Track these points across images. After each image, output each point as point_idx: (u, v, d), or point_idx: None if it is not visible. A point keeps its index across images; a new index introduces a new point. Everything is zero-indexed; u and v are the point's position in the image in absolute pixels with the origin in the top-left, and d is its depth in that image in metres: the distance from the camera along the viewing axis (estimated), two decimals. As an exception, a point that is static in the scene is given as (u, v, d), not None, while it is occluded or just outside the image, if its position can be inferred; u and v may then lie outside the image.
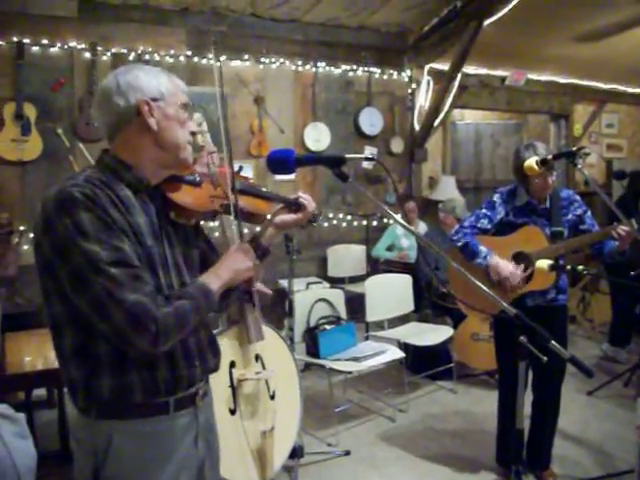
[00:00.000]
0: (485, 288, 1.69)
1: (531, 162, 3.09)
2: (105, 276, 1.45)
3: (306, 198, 1.99)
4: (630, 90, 9.56)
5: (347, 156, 1.70)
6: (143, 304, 1.47)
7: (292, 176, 6.69)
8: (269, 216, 1.99)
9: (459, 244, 3.48)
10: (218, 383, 2.95)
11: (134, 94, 1.61)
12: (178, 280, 1.70)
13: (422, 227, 6.76)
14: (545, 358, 1.71)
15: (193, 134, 1.73)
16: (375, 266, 6.75)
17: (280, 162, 1.73)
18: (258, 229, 2.02)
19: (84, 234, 1.45)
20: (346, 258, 6.98)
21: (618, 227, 3.09)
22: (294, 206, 1.99)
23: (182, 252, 1.75)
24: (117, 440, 1.58)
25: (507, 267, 3.36)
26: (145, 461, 1.62)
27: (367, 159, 1.94)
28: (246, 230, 3.07)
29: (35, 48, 5.61)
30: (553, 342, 1.62)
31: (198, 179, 1.82)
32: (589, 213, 3.50)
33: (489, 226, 3.52)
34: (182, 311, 1.56)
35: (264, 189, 2.10)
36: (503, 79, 8.31)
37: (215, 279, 1.68)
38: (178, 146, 1.68)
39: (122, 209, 1.56)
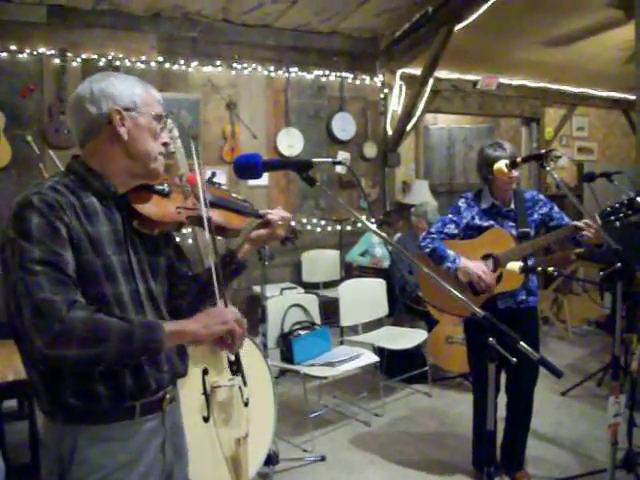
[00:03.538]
0: (455, 292, 1.70)
1: (500, 165, 3.11)
2: (28, 272, 1.43)
3: (276, 214, 1.94)
4: (599, 93, 9.69)
5: (314, 160, 1.69)
6: (53, 302, 1.42)
7: (265, 181, 6.69)
8: (246, 231, 1.97)
9: (427, 250, 3.49)
10: (191, 390, 2.93)
11: (106, 102, 1.61)
12: (145, 286, 1.69)
13: (395, 235, 6.78)
14: (514, 360, 1.72)
15: (165, 145, 1.72)
16: (349, 271, 6.76)
17: (246, 167, 1.72)
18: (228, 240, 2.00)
19: (27, 235, 1.45)
20: (320, 263, 6.98)
21: (579, 226, 3.10)
22: (265, 221, 1.96)
23: (148, 260, 1.74)
24: (82, 445, 1.57)
25: (478, 266, 3.38)
26: (111, 466, 1.61)
27: (335, 163, 1.91)
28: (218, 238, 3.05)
29: (3, 54, 5.55)
30: (522, 343, 1.63)
31: (167, 189, 1.79)
32: (555, 208, 3.52)
33: (456, 231, 3.54)
34: (101, 325, 1.46)
35: (237, 199, 2.04)
36: (475, 83, 8.37)
37: (175, 323, 1.61)
38: (149, 156, 1.67)
39: (83, 218, 1.56)
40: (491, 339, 1.72)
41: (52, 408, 1.59)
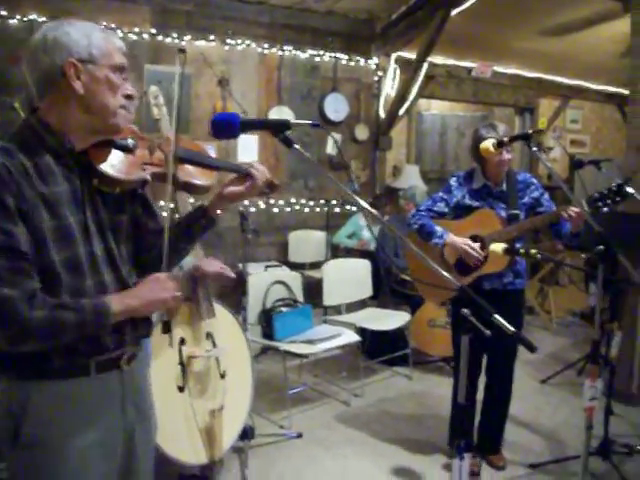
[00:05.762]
0: (439, 268, 1.70)
1: (487, 144, 3.10)
2: None
3: (258, 168, 1.86)
4: (594, 87, 9.66)
5: (292, 122, 1.67)
6: (12, 302, 1.40)
7: (254, 159, 6.64)
8: (220, 187, 1.89)
9: (415, 227, 3.50)
10: (167, 360, 2.92)
11: (60, 54, 1.51)
12: (102, 246, 1.65)
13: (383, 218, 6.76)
14: (488, 332, 1.71)
15: (129, 97, 1.62)
16: (335, 252, 6.73)
17: (224, 125, 1.68)
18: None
19: None
20: (307, 243, 6.94)
21: (568, 208, 3.11)
22: (245, 176, 1.86)
23: (109, 218, 1.69)
24: (35, 401, 1.54)
25: (464, 241, 3.38)
26: (65, 424, 1.58)
27: (313, 125, 1.85)
28: (192, 200, 3.01)
29: (-7, 20, 5.46)
30: (496, 316, 1.63)
31: (132, 144, 1.68)
32: (546, 195, 3.50)
33: (446, 209, 3.54)
34: (59, 321, 1.47)
35: (213, 157, 1.98)
36: (470, 70, 8.32)
37: (119, 302, 1.57)
38: (107, 111, 1.58)
39: (36, 179, 1.50)
40: (465, 310, 1.71)
41: (2, 363, 1.55)
